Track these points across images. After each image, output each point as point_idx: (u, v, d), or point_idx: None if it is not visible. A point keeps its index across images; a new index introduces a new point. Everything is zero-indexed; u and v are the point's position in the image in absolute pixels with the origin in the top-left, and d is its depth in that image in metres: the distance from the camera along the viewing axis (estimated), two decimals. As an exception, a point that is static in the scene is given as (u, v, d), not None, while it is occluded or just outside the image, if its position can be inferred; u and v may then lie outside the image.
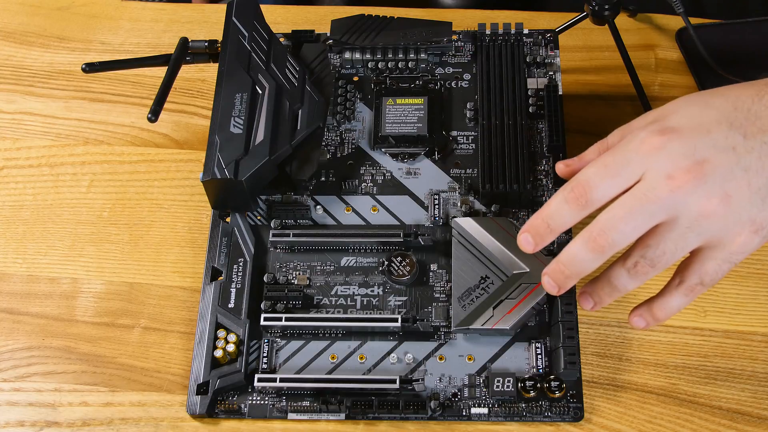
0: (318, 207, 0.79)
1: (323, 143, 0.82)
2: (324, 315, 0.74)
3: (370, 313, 0.75)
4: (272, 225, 0.78)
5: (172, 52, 0.84)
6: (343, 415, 0.71)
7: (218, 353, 0.72)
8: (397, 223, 0.78)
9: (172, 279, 0.80)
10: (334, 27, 0.86)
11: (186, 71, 0.91)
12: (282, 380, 0.71)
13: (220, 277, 0.76)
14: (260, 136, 0.76)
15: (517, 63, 0.83)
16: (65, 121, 0.89)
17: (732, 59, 0.87)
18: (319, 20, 0.95)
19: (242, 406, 0.72)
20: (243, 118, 0.77)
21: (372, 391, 0.71)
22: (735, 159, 0.60)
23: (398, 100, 0.83)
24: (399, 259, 0.76)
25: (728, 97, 0.62)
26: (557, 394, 0.70)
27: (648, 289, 0.69)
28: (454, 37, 0.86)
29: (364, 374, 0.72)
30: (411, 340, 0.74)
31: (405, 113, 0.83)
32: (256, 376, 0.71)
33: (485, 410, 0.71)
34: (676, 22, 0.92)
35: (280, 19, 0.95)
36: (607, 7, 0.85)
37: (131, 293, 0.79)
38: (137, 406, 0.74)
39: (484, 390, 0.71)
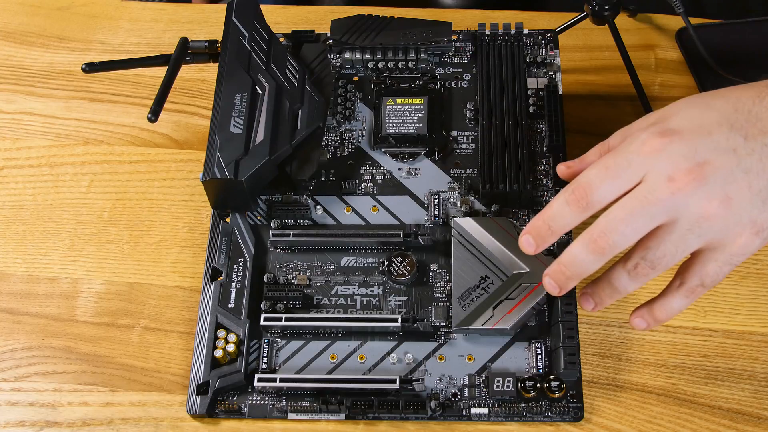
0: (318, 207, 0.79)
1: (323, 143, 0.82)
2: (324, 315, 0.74)
3: (370, 313, 0.75)
4: (272, 225, 0.78)
5: (172, 52, 0.84)
6: (343, 415, 0.71)
7: (218, 353, 0.72)
8: (397, 223, 0.78)
9: (172, 279, 0.80)
10: (334, 27, 0.86)
11: (186, 71, 0.91)
12: (282, 380, 0.71)
13: (220, 277, 0.76)
14: (260, 136, 0.76)
15: (517, 63, 0.83)
16: (65, 121, 0.89)
17: (732, 59, 0.87)
18: (319, 20, 0.95)
19: (242, 406, 0.72)
20: (243, 118, 0.77)
21: (372, 391, 0.71)
22: (736, 161, 0.60)
23: (398, 100, 0.83)
24: (399, 259, 0.76)
25: (729, 98, 0.62)
26: (557, 394, 0.70)
27: (649, 290, 0.69)
28: (454, 37, 0.86)
29: (364, 374, 0.72)
30: (411, 340, 0.74)
31: (405, 113, 0.83)
32: (256, 376, 0.71)
33: (485, 410, 0.71)
34: (676, 22, 0.92)
35: (280, 19, 0.95)
36: (607, 7, 0.85)
37: (131, 293, 0.79)
38: (137, 406, 0.74)
39: (484, 390, 0.71)
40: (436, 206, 0.78)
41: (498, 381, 0.71)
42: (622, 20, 0.91)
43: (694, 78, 0.88)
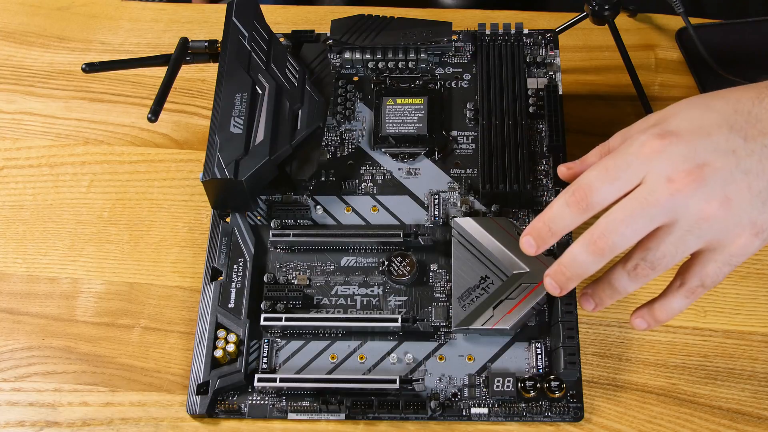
0: (318, 207, 0.79)
1: (323, 143, 0.82)
2: (324, 315, 0.74)
3: (370, 313, 0.75)
4: (272, 225, 0.78)
5: (172, 52, 0.84)
6: (343, 415, 0.71)
7: (218, 353, 0.72)
8: (397, 223, 0.78)
9: (172, 279, 0.80)
10: (334, 27, 0.86)
11: (186, 71, 0.91)
12: (282, 380, 0.71)
13: (220, 277, 0.76)
14: (260, 136, 0.76)
15: (517, 63, 0.83)
16: (65, 121, 0.89)
17: (732, 59, 0.87)
18: (319, 20, 0.95)
19: (242, 406, 0.72)
20: (243, 118, 0.77)
21: (372, 391, 0.71)
22: (735, 162, 0.60)
23: (398, 100, 0.83)
24: (399, 259, 0.76)
25: (729, 99, 0.62)
26: (557, 394, 0.70)
27: (649, 291, 0.69)
28: (454, 37, 0.86)
29: (364, 374, 0.72)
30: (411, 340, 0.74)
31: (405, 113, 0.83)
32: (256, 376, 0.71)
33: (485, 410, 0.71)
34: (676, 22, 0.92)
35: (280, 19, 0.95)
36: (607, 7, 0.85)
37: (131, 293, 0.79)
38: (137, 406, 0.74)
39: (484, 390, 0.71)
40: (436, 206, 0.78)
41: (498, 381, 0.71)
42: (622, 20, 0.91)
43: (694, 78, 0.88)
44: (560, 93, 0.82)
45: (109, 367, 0.76)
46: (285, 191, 0.80)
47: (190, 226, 0.82)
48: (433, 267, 0.76)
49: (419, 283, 0.76)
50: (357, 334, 0.74)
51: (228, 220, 0.78)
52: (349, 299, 0.75)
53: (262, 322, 0.73)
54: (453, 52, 0.86)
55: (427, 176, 0.80)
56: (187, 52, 0.85)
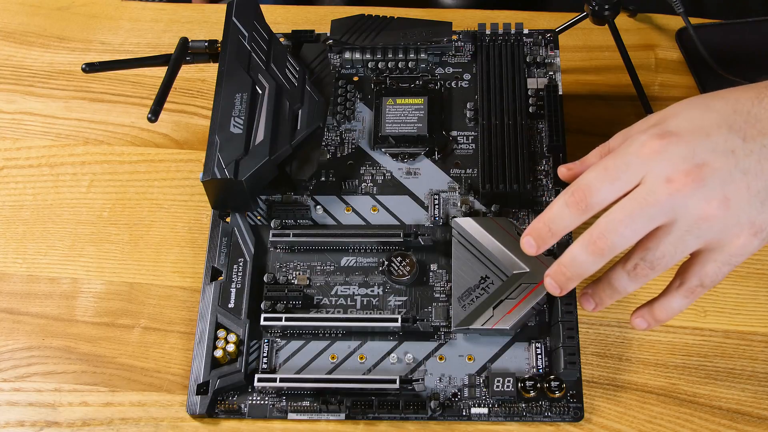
0: (318, 207, 0.79)
1: (323, 143, 0.82)
2: (324, 315, 0.74)
3: (370, 313, 0.75)
4: (272, 225, 0.78)
5: (172, 52, 0.84)
6: (343, 415, 0.71)
7: (218, 353, 0.72)
8: (397, 223, 0.78)
9: (172, 279, 0.80)
10: (334, 27, 0.86)
11: (186, 71, 0.91)
12: (282, 380, 0.71)
13: (220, 277, 0.76)
14: (260, 136, 0.76)
15: (517, 63, 0.83)
16: (65, 121, 0.89)
17: (732, 59, 0.87)
18: (319, 20, 0.95)
19: (242, 406, 0.72)
20: (243, 118, 0.77)
21: (372, 391, 0.71)
22: (734, 162, 0.60)
23: (398, 100, 0.83)
24: (399, 259, 0.76)
25: (728, 100, 0.62)
26: (557, 394, 0.70)
27: (649, 291, 0.69)
28: (454, 37, 0.86)
29: (364, 374, 0.72)
30: (411, 340, 0.74)
31: (405, 113, 0.83)
32: (256, 376, 0.71)
33: (485, 410, 0.71)
34: (676, 22, 0.92)
35: (280, 19, 0.95)
36: (607, 7, 0.85)
37: (131, 293, 0.79)
38: (137, 406, 0.74)
39: (484, 390, 0.71)
40: (436, 206, 0.78)
41: (498, 381, 0.71)
42: (622, 20, 0.91)
43: (694, 78, 0.88)
44: (560, 93, 0.82)
45: (109, 367, 0.76)
46: (285, 191, 0.80)
47: (190, 226, 0.82)
48: (433, 267, 0.76)
49: (419, 283, 0.76)
50: (357, 334, 0.74)
51: (228, 220, 0.78)
52: (349, 299, 0.75)
53: (262, 322, 0.73)
54: (453, 52, 0.86)
55: (427, 176, 0.80)
56: (187, 52, 0.85)
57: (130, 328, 0.78)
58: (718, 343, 0.75)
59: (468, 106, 0.83)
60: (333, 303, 0.75)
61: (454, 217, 0.77)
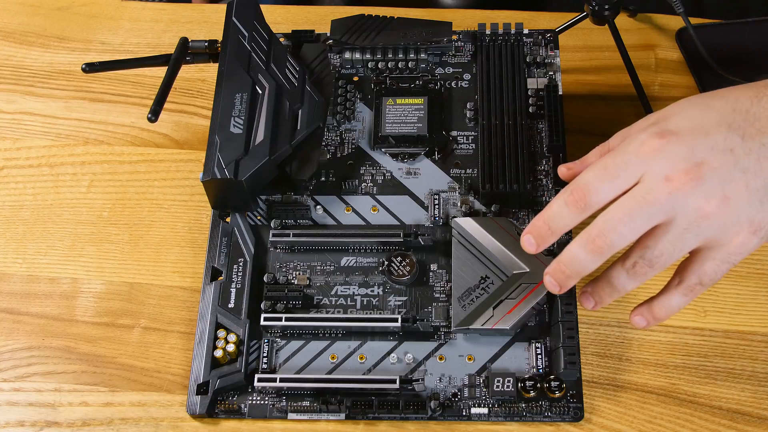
0: (318, 207, 0.79)
1: (323, 143, 0.82)
2: (324, 315, 0.74)
3: (370, 313, 0.75)
4: (272, 225, 0.78)
5: (172, 52, 0.84)
6: (343, 415, 0.71)
7: (218, 353, 0.72)
8: (397, 223, 0.78)
9: (172, 279, 0.80)
10: (334, 27, 0.86)
11: (186, 71, 0.91)
12: (282, 380, 0.71)
13: (220, 277, 0.76)
14: (260, 136, 0.76)
15: (517, 63, 0.83)
16: (65, 121, 0.89)
17: (732, 59, 0.87)
18: (319, 20, 0.95)
19: (242, 406, 0.72)
20: (243, 118, 0.77)
21: (372, 391, 0.71)
22: (733, 161, 0.60)
23: (398, 100, 0.83)
24: (399, 259, 0.76)
25: (727, 99, 0.62)
26: (557, 394, 0.70)
27: (649, 289, 0.69)
28: (454, 37, 0.86)
29: (364, 374, 0.72)
30: (411, 340, 0.74)
31: (405, 113, 0.83)
32: (256, 376, 0.71)
33: (485, 410, 0.71)
34: (676, 22, 0.92)
35: (280, 19, 0.95)
36: (607, 7, 0.85)
37: (131, 293, 0.79)
38: (137, 406, 0.74)
39: (484, 390, 0.71)
40: (436, 206, 0.78)
41: (498, 381, 0.71)
42: (622, 20, 0.91)
43: (694, 78, 0.88)
44: (560, 93, 0.82)
45: (109, 367, 0.76)
46: (285, 191, 0.80)
47: (190, 226, 0.82)
48: (433, 267, 0.76)
49: (419, 283, 0.76)
50: (357, 334, 0.74)
51: (228, 220, 0.78)
52: (349, 299, 0.75)
53: (262, 322, 0.73)
54: (453, 52, 0.86)
55: (427, 176, 0.80)
56: (187, 52, 0.85)
57: (130, 328, 0.78)
58: (718, 343, 0.75)
59: (468, 106, 0.83)
60: (333, 303, 0.75)
61: (454, 217, 0.77)
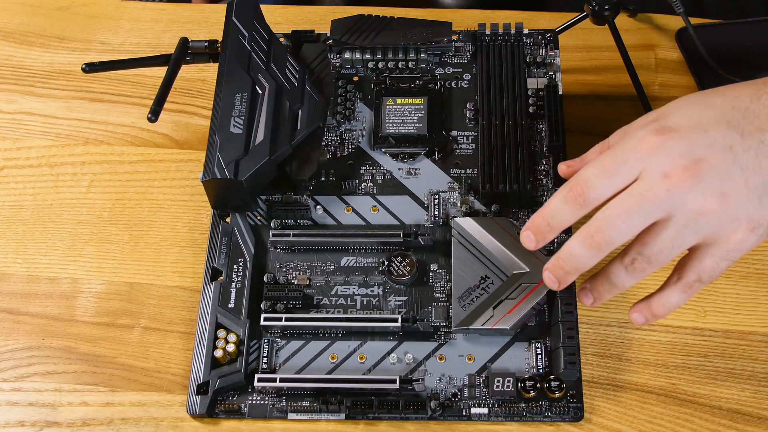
0: (318, 207, 0.79)
1: (323, 143, 0.82)
2: (324, 315, 0.74)
3: (370, 313, 0.75)
4: (272, 225, 0.78)
5: (172, 52, 0.84)
6: (343, 415, 0.71)
7: (218, 353, 0.72)
8: (397, 223, 0.78)
9: (172, 279, 0.80)
10: (334, 27, 0.86)
11: (186, 71, 0.91)
12: (282, 380, 0.71)
13: (220, 277, 0.76)
14: (260, 136, 0.76)
15: (517, 63, 0.83)
16: (65, 121, 0.89)
17: (732, 59, 0.87)
18: (319, 20, 0.95)
19: (242, 406, 0.72)
20: (243, 118, 0.77)
21: (372, 391, 0.71)
22: (732, 158, 0.60)
23: (398, 100, 0.83)
24: (399, 259, 0.76)
25: (727, 96, 0.62)
26: (557, 394, 0.70)
27: (649, 287, 0.69)
28: (454, 37, 0.86)
29: (364, 374, 0.72)
30: (411, 340, 0.74)
31: (405, 113, 0.83)
32: (256, 376, 0.71)
33: (485, 410, 0.71)
34: (676, 22, 0.92)
35: (280, 19, 0.95)
36: (607, 7, 0.85)
37: (131, 293, 0.79)
38: (137, 406, 0.74)
39: (484, 390, 0.71)
40: (436, 206, 0.78)
41: (498, 381, 0.71)
42: (622, 20, 0.91)
43: (694, 78, 0.88)
44: (560, 93, 0.82)
45: (109, 367, 0.76)
46: (285, 191, 0.80)
47: (190, 226, 0.82)
48: (433, 267, 0.76)
49: (419, 283, 0.76)
50: (357, 334, 0.74)
51: (228, 220, 0.78)
52: (349, 299, 0.75)
53: (262, 322, 0.73)
54: (453, 52, 0.86)
55: (427, 176, 0.80)
56: (187, 52, 0.85)
57: (130, 328, 0.78)
58: (718, 343, 0.75)
59: (468, 106, 0.83)
60: (333, 303, 0.75)
61: (454, 217, 0.77)
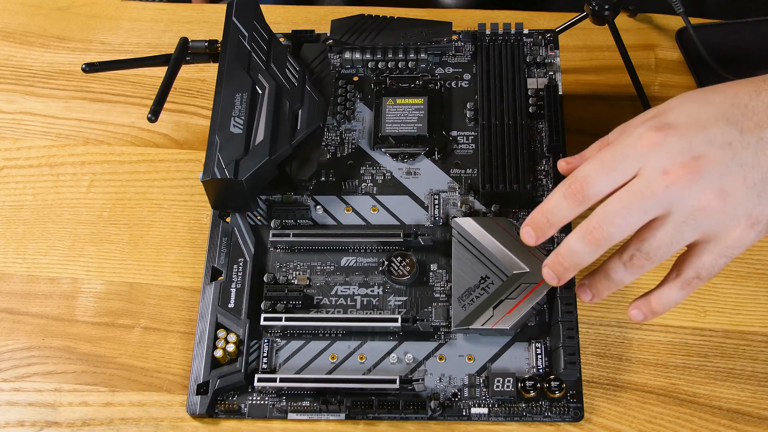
0: (318, 207, 0.79)
1: (323, 143, 0.82)
2: (324, 315, 0.74)
3: (370, 313, 0.75)
4: (272, 225, 0.78)
5: (172, 52, 0.84)
6: (343, 415, 0.71)
7: (218, 353, 0.72)
8: (397, 223, 0.78)
9: (172, 279, 0.80)
10: (334, 27, 0.86)
11: (186, 71, 0.91)
12: (282, 380, 0.71)
13: (220, 277, 0.76)
14: (260, 136, 0.76)
15: (517, 63, 0.83)
16: (65, 121, 0.89)
17: (732, 59, 0.87)
18: (319, 20, 0.95)
19: (242, 406, 0.72)
20: (243, 118, 0.77)
21: (372, 391, 0.71)
22: (731, 154, 0.60)
23: (398, 100, 0.83)
24: (399, 259, 0.76)
25: (726, 93, 0.63)
26: (557, 394, 0.70)
27: (648, 286, 0.69)
28: (454, 37, 0.86)
29: (364, 374, 0.72)
30: (411, 340, 0.74)
31: (405, 113, 0.83)
32: (256, 376, 0.71)
33: (485, 410, 0.71)
34: (676, 22, 0.92)
35: (280, 19, 0.95)
36: (607, 7, 0.85)
37: (131, 293, 0.79)
38: (137, 406, 0.74)
39: (484, 390, 0.71)
40: (436, 206, 0.78)
41: (498, 381, 0.71)
42: (622, 20, 0.91)
43: (694, 78, 0.88)
44: (560, 93, 0.82)
45: (109, 367, 0.76)
46: (285, 191, 0.80)
47: (190, 226, 0.82)
48: (433, 267, 0.76)
49: (419, 283, 0.76)
50: (357, 334, 0.74)
51: (228, 220, 0.78)
52: (349, 299, 0.75)
53: (262, 322, 0.73)
54: (453, 52, 0.86)
55: (427, 176, 0.80)
56: (187, 52, 0.85)
57: (130, 328, 0.78)
58: (718, 343, 0.75)
59: (468, 106, 0.83)
60: (333, 303, 0.75)
61: (454, 217, 0.77)
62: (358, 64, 0.86)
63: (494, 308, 0.72)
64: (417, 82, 0.85)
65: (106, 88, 0.91)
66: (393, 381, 0.70)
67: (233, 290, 0.75)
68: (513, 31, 0.85)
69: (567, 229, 0.74)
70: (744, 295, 0.77)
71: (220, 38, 0.83)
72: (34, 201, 0.84)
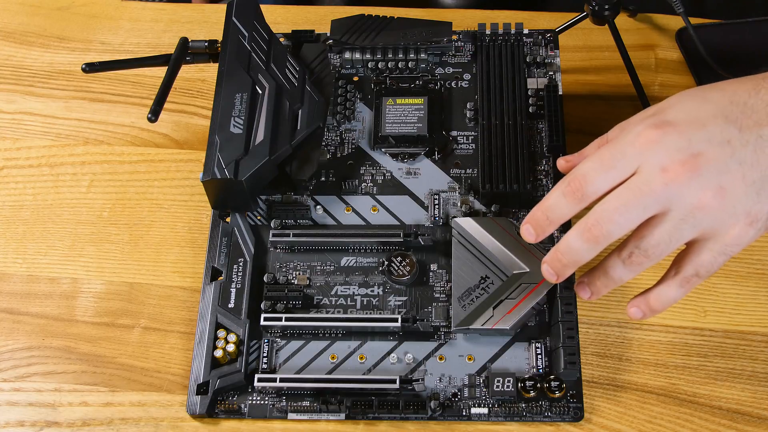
0: (318, 207, 0.79)
1: (323, 143, 0.82)
2: (324, 315, 0.74)
3: (370, 313, 0.75)
4: (272, 225, 0.78)
5: (172, 52, 0.84)
6: (343, 415, 0.71)
7: (218, 353, 0.72)
8: (397, 223, 0.78)
9: (172, 279, 0.80)
10: (334, 27, 0.86)
11: (186, 71, 0.91)
12: (282, 380, 0.71)
13: (220, 277, 0.76)
14: (260, 136, 0.76)
15: (517, 63, 0.83)
16: (65, 121, 0.89)
17: (732, 59, 0.87)
18: (319, 20, 0.95)
19: (242, 406, 0.72)
20: (243, 118, 0.77)
21: (372, 391, 0.71)
22: (730, 152, 0.60)
23: (398, 100, 0.83)
24: (399, 259, 0.76)
25: (725, 91, 0.63)
26: (557, 394, 0.70)
27: (648, 284, 0.69)
28: (454, 37, 0.86)
29: (364, 374, 0.72)
30: (411, 340, 0.74)
31: (405, 113, 0.83)
32: (256, 376, 0.71)
33: (485, 410, 0.71)
34: (676, 22, 0.92)
35: (280, 19, 0.95)
36: (607, 7, 0.85)
37: (131, 293, 0.79)
38: (137, 406, 0.74)
39: (484, 390, 0.71)
40: (436, 206, 0.78)
41: (498, 381, 0.71)
42: (622, 20, 0.91)
43: (694, 78, 0.88)
44: (560, 93, 0.82)
45: (109, 367, 0.76)
46: (285, 191, 0.80)
47: (190, 226, 0.82)
48: (433, 267, 0.76)
49: (419, 283, 0.76)
50: (357, 334, 0.74)
51: (228, 220, 0.78)
52: (349, 299, 0.75)
53: (262, 322, 0.73)
54: (453, 52, 0.86)
55: (427, 176, 0.80)
56: (187, 52, 0.85)
57: (130, 328, 0.78)
58: (718, 343, 0.75)
59: (468, 106, 0.83)
60: (333, 303, 0.75)
61: (454, 217, 0.77)
62: (358, 64, 0.86)
63: (494, 308, 0.72)
64: (417, 82, 0.85)
65: (106, 88, 0.91)
66: (393, 381, 0.70)
67: (233, 290, 0.75)
68: (513, 31, 0.85)
69: (567, 226, 0.73)
70: (744, 295, 0.77)
71: (220, 38, 0.83)
72: (34, 201, 0.84)
